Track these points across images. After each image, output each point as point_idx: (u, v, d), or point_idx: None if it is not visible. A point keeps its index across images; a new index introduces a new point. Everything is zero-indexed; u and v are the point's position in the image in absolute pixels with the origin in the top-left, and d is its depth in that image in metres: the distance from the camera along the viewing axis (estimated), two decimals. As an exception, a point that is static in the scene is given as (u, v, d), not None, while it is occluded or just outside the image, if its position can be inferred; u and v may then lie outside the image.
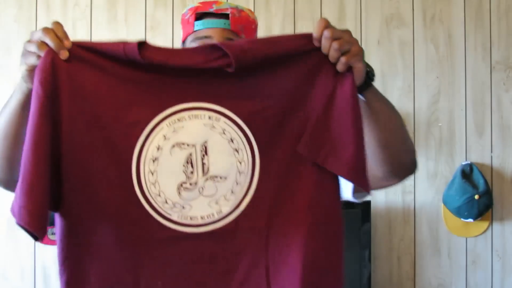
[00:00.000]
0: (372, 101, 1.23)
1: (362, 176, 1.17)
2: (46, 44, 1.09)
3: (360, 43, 1.16)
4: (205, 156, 1.19)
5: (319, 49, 1.14)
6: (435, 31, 2.39)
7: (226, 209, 1.20)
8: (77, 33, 2.33)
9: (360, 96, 1.19)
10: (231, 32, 1.43)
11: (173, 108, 1.18)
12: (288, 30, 2.45)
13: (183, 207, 1.19)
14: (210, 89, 1.19)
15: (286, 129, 1.21)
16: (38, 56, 1.10)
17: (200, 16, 1.45)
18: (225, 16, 1.43)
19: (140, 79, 1.17)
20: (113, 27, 2.37)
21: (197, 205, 1.19)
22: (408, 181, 2.45)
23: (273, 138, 1.21)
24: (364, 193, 1.34)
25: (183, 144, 1.18)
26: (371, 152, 1.26)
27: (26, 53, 1.11)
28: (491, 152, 2.38)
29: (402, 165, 1.33)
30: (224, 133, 1.19)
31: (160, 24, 2.38)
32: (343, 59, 1.13)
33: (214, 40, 1.41)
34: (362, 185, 1.18)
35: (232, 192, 1.20)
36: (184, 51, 1.29)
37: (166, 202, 1.18)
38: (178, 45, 2.39)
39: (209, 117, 1.19)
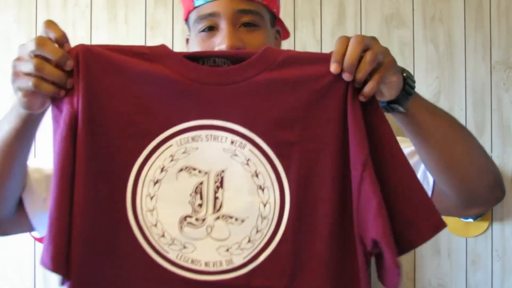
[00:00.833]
0: (417, 114, 1.01)
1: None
2: (44, 59, 0.86)
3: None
4: (220, 189, 0.94)
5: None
6: (435, 31, 2.33)
7: (238, 260, 0.94)
8: (77, 33, 2.26)
9: (400, 109, 1.00)
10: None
11: (187, 123, 0.93)
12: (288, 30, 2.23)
13: (185, 246, 0.95)
14: (239, 107, 0.92)
15: (327, 172, 0.93)
16: (37, 78, 0.86)
17: None
18: None
19: (155, 83, 0.92)
20: (113, 27, 2.28)
21: (202, 248, 0.95)
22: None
23: (310, 180, 0.93)
24: None
25: (194, 169, 0.94)
26: (436, 176, 1.08)
27: (18, 75, 0.88)
28: (491, 152, 2.30)
29: (475, 190, 1.06)
30: (248, 164, 0.93)
31: (160, 24, 2.30)
32: (373, 82, 0.89)
33: (222, 19, 1.12)
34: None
35: (249, 240, 0.94)
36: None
37: (163, 235, 0.94)
38: (178, 44, 2.24)
39: (232, 142, 0.93)
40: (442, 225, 0.95)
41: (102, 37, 2.23)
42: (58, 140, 0.89)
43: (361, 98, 0.91)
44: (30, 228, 1.09)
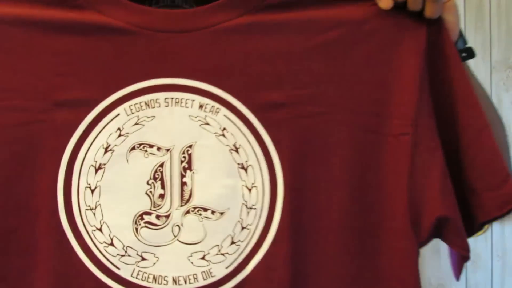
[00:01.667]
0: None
1: None
2: None
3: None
4: (188, 172, 0.68)
5: None
6: (435, 31, 2.25)
7: (219, 271, 0.68)
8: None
9: None
10: None
11: (138, 84, 0.68)
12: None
13: (143, 258, 0.68)
14: (207, 60, 0.69)
15: (334, 142, 0.69)
16: None
17: None
18: None
19: (89, 35, 0.68)
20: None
21: (168, 257, 0.68)
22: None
23: (310, 155, 0.69)
24: None
25: (151, 146, 0.68)
26: None
27: None
28: (491, 151, 2.20)
29: None
30: (223, 135, 0.68)
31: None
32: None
33: None
34: None
35: (232, 241, 0.68)
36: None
37: (112, 244, 0.67)
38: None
39: (201, 106, 0.68)
40: None
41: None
42: None
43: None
44: None
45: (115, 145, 0.67)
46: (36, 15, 0.67)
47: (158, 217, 0.68)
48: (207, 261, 0.68)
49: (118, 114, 0.67)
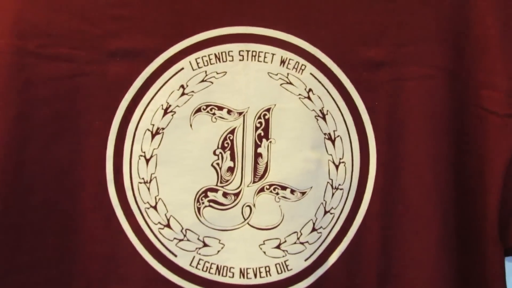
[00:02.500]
0: None
1: None
2: None
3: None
4: (264, 141, 0.56)
5: None
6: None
7: (298, 264, 0.57)
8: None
9: None
10: None
11: (208, 33, 0.56)
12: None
13: (204, 243, 0.56)
14: (292, 7, 0.56)
15: (438, 114, 0.57)
16: None
17: None
18: None
19: None
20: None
21: (235, 244, 0.57)
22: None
23: (411, 127, 0.57)
24: None
25: (221, 109, 0.56)
26: None
27: None
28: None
29: None
30: (309, 97, 0.56)
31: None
32: None
33: None
34: None
35: (313, 228, 0.56)
36: None
37: (169, 225, 0.56)
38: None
39: (283, 62, 0.56)
40: None
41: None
42: None
43: None
44: None
45: (177, 105, 0.56)
46: None
47: (225, 195, 0.56)
48: (283, 250, 0.56)
49: (182, 69, 0.55)
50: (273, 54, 0.56)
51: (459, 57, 0.57)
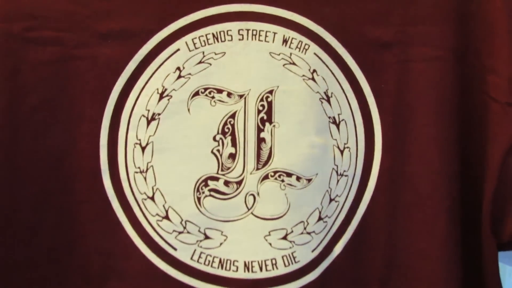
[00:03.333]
0: None
1: None
2: None
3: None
4: (267, 125, 0.53)
5: None
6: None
7: (305, 255, 0.54)
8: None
9: None
10: None
11: (205, 11, 0.52)
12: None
13: (206, 235, 0.53)
14: None
15: (445, 98, 0.55)
16: None
17: None
18: None
19: None
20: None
21: (238, 235, 0.53)
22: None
23: (416, 111, 0.55)
24: None
25: (220, 91, 0.53)
26: None
27: None
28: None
29: None
30: (313, 78, 0.53)
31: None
32: None
33: None
34: None
35: (320, 217, 0.53)
36: None
37: (167, 217, 0.52)
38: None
39: (285, 41, 0.53)
40: None
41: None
42: None
43: None
44: None
45: (173, 89, 0.52)
46: None
47: (227, 183, 0.53)
48: (290, 241, 0.53)
49: (178, 50, 0.52)
50: (274, 33, 0.52)
51: (467, 40, 0.54)
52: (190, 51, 0.52)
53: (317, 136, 0.53)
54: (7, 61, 0.51)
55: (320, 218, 0.54)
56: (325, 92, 0.53)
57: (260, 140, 0.53)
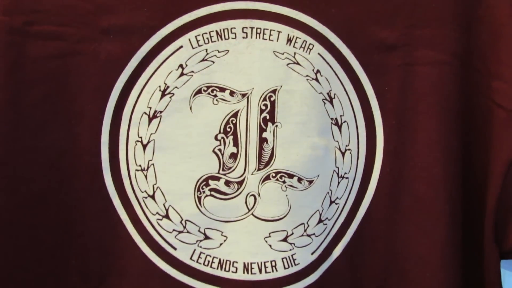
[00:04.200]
0: None
1: None
2: None
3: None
4: (269, 125, 0.52)
5: None
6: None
7: (305, 258, 0.53)
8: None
9: None
10: None
11: (208, 8, 0.52)
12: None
13: (205, 235, 0.52)
14: None
15: (449, 102, 0.54)
16: None
17: None
18: None
19: None
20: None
21: (238, 236, 0.53)
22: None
23: (418, 114, 0.54)
24: None
25: (222, 90, 0.52)
26: None
27: None
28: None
29: None
30: (317, 79, 0.52)
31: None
32: None
33: None
34: None
35: (320, 219, 0.52)
36: None
37: (167, 216, 0.52)
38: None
39: (289, 40, 0.52)
40: None
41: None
42: None
43: None
44: None
45: (176, 87, 0.51)
46: None
47: (228, 183, 0.52)
48: (290, 243, 0.52)
49: (181, 47, 0.51)
50: (279, 32, 0.52)
51: (473, 44, 0.54)
52: (193, 48, 0.51)
53: (319, 137, 0.52)
54: (8, 55, 0.50)
55: (320, 221, 0.53)
56: (328, 93, 0.52)
57: (262, 140, 0.52)
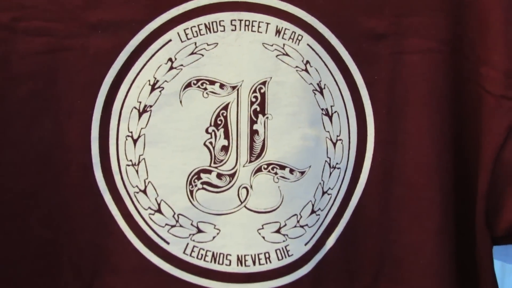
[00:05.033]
0: None
1: None
2: None
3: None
4: (260, 117, 0.52)
5: None
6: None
7: (298, 249, 0.53)
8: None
9: None
10: None
11: (197, 1, 0.52)
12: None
13: (198, 229, 0.52)
14: None
15: (439, 89, 0.54)
16: None
17: None
18: None
19: None
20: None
21: (231, 229, 0.53)
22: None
23: (409, 103, 0.54)
24: None
25: (212, 83, 0.52)
26: None
27: None
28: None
29: None
30: (307, 70, 0.52)
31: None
32: None
33: None
34: None
35: (313, 210, 0.52)
36: None
37: (159, 211, 0.52)
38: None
39: (278, 31, 0.52)
40: None
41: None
42: None
43: None
44: None
45: (165, 81, 0.51)
46: None
47: (219, 176, 0.52)
48: (283, 235, 0.52)
49: (170, 40, 0.51)
50: (267, 24, 0.52)
51: (462, 31, 0.54)
52: (182, 41, 0.51)
53: (310, 128, 0.52)
54: None
55: (313, 211, 0.53)
56: (318, 84, 0.52)
57: (253, 132, 0.52)
